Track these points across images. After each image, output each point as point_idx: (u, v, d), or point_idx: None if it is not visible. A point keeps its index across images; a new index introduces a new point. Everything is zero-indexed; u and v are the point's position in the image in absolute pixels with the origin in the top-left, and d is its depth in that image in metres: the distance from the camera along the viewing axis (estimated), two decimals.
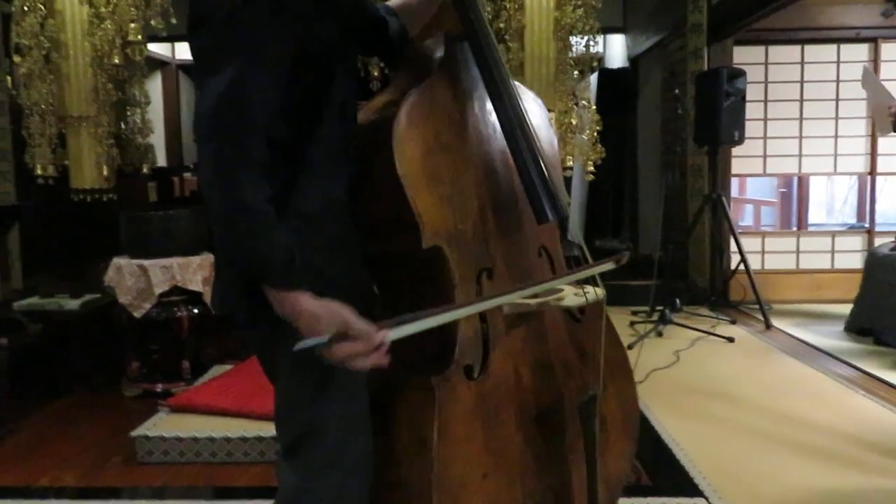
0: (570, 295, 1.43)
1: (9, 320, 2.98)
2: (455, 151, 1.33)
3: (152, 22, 3.06)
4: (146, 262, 3.05)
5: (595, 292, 1.43)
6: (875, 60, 4.91)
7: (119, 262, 3.10)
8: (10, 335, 2.85)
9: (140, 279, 3.04)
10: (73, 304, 3.14)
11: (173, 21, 3.13)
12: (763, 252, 5.06)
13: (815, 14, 4.81)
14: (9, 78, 4.54)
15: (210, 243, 3.43)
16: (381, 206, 1.27)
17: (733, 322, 4.31)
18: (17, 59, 3.49)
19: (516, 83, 1.44)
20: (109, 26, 3.16)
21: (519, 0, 3.57)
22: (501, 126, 1.36)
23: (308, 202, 1.14)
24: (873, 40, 4.92)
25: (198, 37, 1.03)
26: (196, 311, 3.18)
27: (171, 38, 5.68)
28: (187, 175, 6.20)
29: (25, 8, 3.34)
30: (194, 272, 3.13)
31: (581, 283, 1.43)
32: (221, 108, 0.98)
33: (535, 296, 1.36)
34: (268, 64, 1.02)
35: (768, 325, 4.19)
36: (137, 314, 3.06)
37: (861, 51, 4.95)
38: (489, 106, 1.38)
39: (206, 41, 1.02)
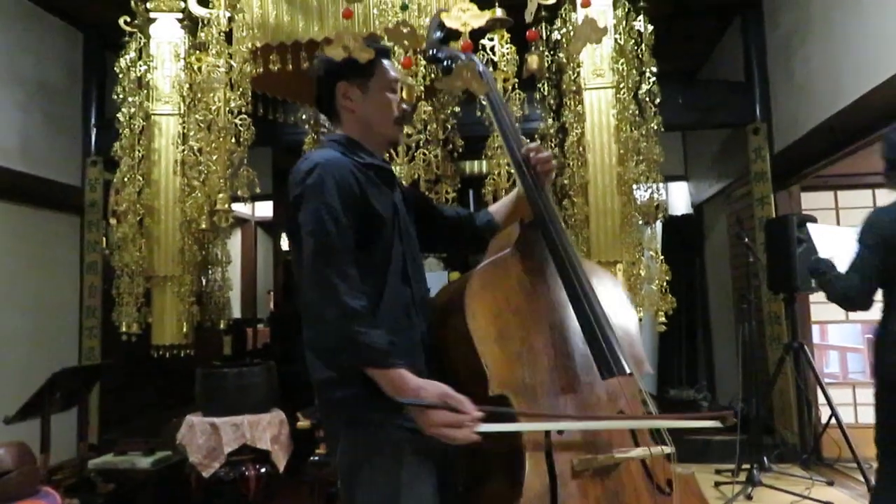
0: (638, 450, 1.48)
1: (83, 481, 3.01)
2: (526, 315, 1.49)
3: (239, 192, 3.29)
4: (217, 420, 3.08)
5: (662, 449, 1.48)
6: None
7: (192, 419, 3.14)
8: (83, 496, 2.87)
9: (211, 437, 3.06)
10: (144, 462, 3.16)
11: (258, 190, 3.36)
12: (855, 404, 4.73)
13: None
14: (104, 240, 4.91)
15: (280, 399, 3.46)
16: (458, 358, 1.44)
17: (831, 483, 3.96)
18: (113, 223, 3.77)
19: (595, 267, 1.71)
20: (199, 195, 3.40)
21: (582, 157, 3.68)
22: (567, 294, 1.52)
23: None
24: None
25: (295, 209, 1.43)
26: (263, 469, 3.15)
27: (253, 198, 6.05)
28: (260, 326, 6.37)
29: (126, 179, 3.65)
30: (263, 430, 3.13)
31: (651, 439, 1.50)
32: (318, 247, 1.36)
33: (604, 450, 1.42)
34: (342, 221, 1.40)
35: (871, 488, 3.82)
36: (206, 473, 3.04)
37: None
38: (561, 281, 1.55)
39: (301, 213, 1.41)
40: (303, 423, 3.14)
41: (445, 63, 1.77)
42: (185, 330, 3.61)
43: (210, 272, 3.87)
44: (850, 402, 4.72)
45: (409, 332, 1.45)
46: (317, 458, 3.06)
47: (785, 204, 4.81)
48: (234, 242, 7.24)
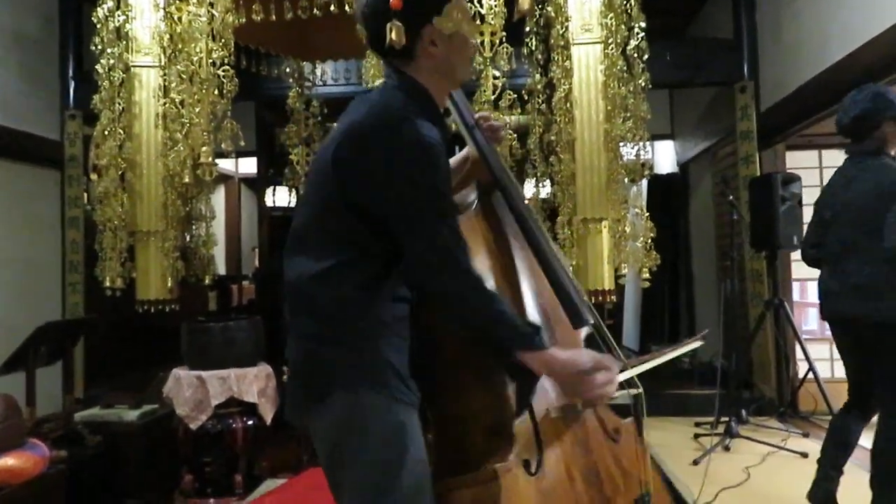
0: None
1: (70, 433, 3.03)
2: (492, 273, 1.52)
3: (223, 145, 3.24)
4: (204, 374, 3.09)
5: (630, 392, 1.54)
6: None
7: (178, 372, 3.15)
8: (71, 447, 2.88)
9: (198, 390, 3.07)
10: (132, 415, 3.18)
11: (242, 143, 3.32)
12: (832, 359, 4.83)
13: None
14: (85, 195, 4.85)
15: (267, 354, 3.47)
16: (434, 319, 1.44)
17: (806, 435, 4.07)
18: (94, 177, 3.71)
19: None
20: (182, 148, 3.35)
21: (569, 114, 3.66)
22: (533, 252, 1.56)
23: (387, 312, 1.38)
24: None
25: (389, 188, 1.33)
26: (250, 422, 3.18)
27: (237, 154, 5.96)
28: (245, 283, 6.35)
29: (106, 132, 3.58)
30: (250, 383, 3.14)
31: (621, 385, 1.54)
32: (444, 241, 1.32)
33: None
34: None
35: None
36: (193, 426, 3.07)
37: None
38: (522, 240, 1.59)
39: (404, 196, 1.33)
40: None
41: None
42: (169, 285, 3.60)
43: (194, 227, 3.84)
44: (828, 358, 4.82)
45: (403, 304, 1.43)
46: None
47: (770, 163, 4.83)
48: (218, 199, 7.17)
